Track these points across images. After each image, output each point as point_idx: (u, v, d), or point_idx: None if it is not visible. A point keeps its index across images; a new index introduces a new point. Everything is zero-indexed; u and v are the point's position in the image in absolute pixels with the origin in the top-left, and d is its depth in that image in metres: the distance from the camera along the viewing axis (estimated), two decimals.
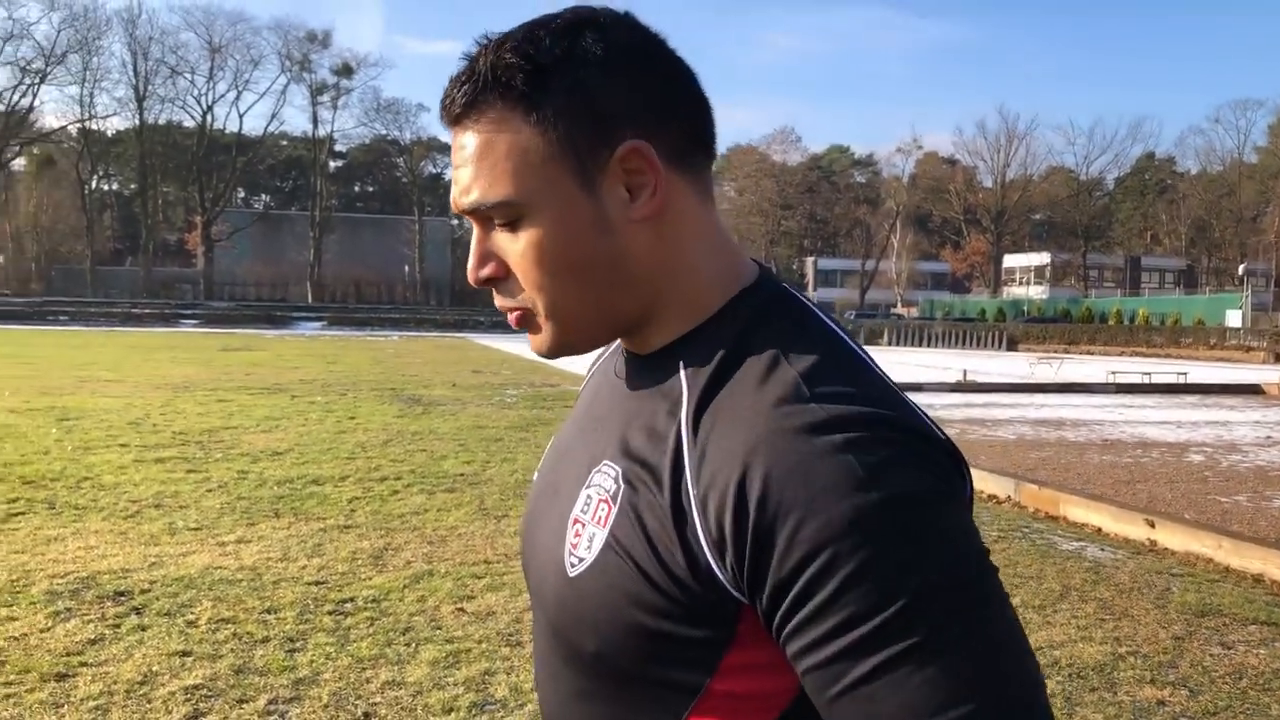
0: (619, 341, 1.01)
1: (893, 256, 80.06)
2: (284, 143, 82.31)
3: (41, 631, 4.86)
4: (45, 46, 67.61)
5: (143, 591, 5.50)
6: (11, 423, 12.15)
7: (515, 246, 0.90)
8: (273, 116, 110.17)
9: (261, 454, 10.24)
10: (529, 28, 0.89)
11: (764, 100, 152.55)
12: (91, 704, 4.05)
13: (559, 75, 0.86)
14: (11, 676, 4.30)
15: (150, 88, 69.71)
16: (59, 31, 68.42)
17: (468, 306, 64.51)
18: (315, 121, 74.78)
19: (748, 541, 0.78)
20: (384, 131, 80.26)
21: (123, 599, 5.39)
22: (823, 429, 0.78)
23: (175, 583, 5.66)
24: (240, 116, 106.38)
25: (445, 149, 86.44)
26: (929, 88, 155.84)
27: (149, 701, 4.08)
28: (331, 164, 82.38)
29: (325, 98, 74.71)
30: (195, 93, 74.05)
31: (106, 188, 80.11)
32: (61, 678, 4.32)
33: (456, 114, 0.90)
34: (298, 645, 4.74)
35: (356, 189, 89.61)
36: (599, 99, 0.87)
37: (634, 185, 0.89)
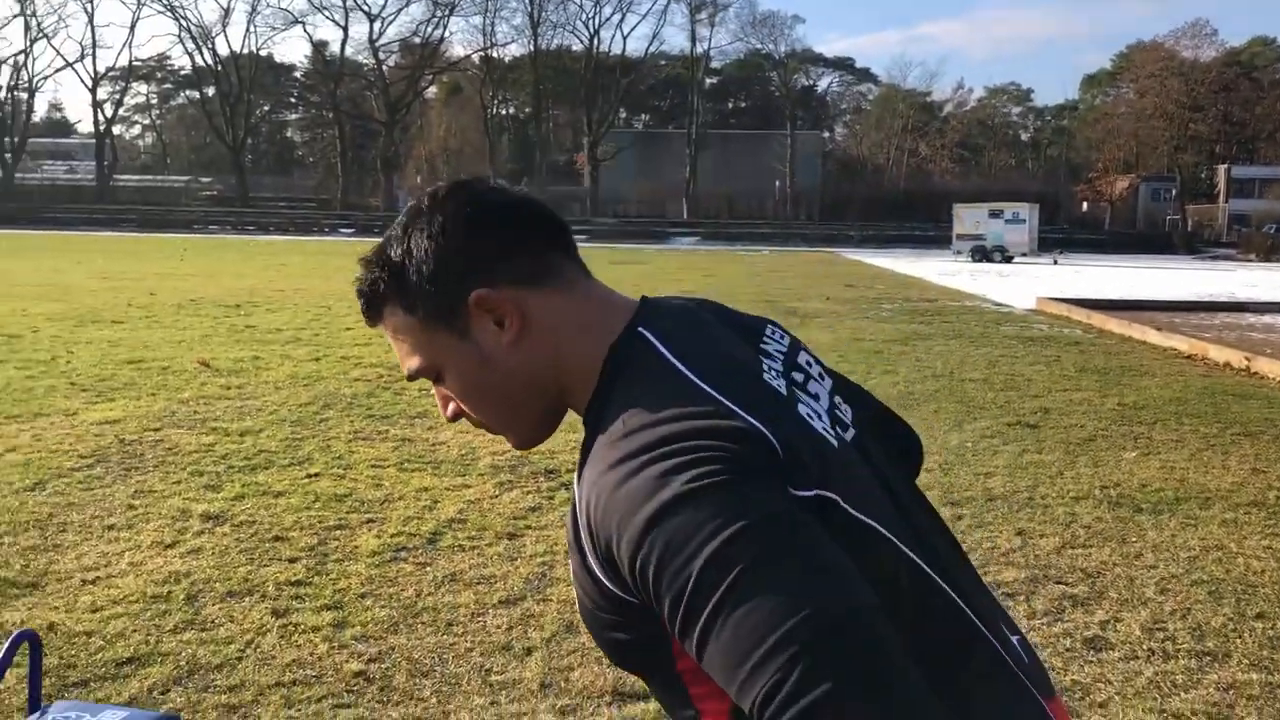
0: None
1: None
2: (662, 62, 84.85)
3: (491, 498, 5.65)
4: None
5: (567, 470, 6.20)
6: None
7: (451, 392, 1.18)
8: (653, 37, 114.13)
9: None
10: (385, 238, 1.17)
11: None
12: (539, 560, 4.71)
13: (406, 271, 1.13)
14: (473, 533, 5.07)
15: (543, 14, 74.27)
16: None
17: (837, 221, 64.04)
18: (693, 39, 76.54)
19: (610, 566, 0.99)
20: (758, 45, 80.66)
21: (552, 476, 6.11)
22: (625, 459, 0.97)
23: None
24: (624, 38, 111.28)
25: (819, 60, 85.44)
26: None
27: None
28: (707, 81, 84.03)
29: (703, 14, 76.09)
30: (584, 16, 78.09)
31: (504, 112, 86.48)
32: (512, 536, 5.04)
33: (369, 320, 1.19)
34: None
35: (729, 106, 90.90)
36: (440, 273, 1.12)
37: (497, 318, 1.12)
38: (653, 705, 3.36)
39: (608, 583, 1.02)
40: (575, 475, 1.09)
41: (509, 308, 1.12)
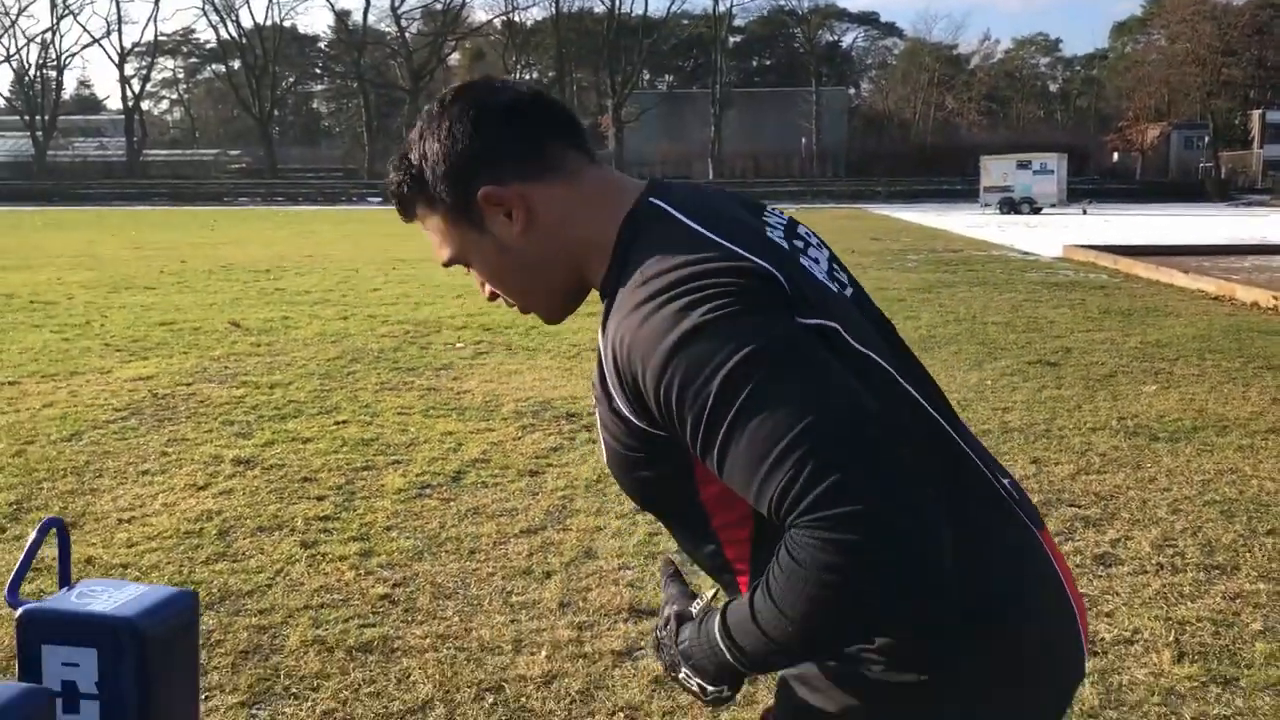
0: None
1: None
2: (685, 22, 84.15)
3: (514, 440, 5.77)
4: None
5: (589, 414, 6.30)
6: (468, 282, 13.87)
7: (482, 278, 1.30)
8: None
9: None
10: (406, 142, 1.27)
11: None
12: (559, 494, 4.82)
13: (424, 174, 1.23)
14: (495, 471, 5.19)
15: None
16: None
17: (864, 177, 63.51)
18: None
19: (639, 399, 1.08)
20: (781, 1, 79.82)
21: (573, 419, 6.22)
22: (646, 301, 1.07)
23: None
24: None
25: (843, 15, 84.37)
26: None
27: (604, 495, 4.78)
28: (730, 40, 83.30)
29: None
30: None
31: (528, 77, 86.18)
32: (534, 474, 5.15)
33: (404, 216, 1.31)
34: None
35: (754, 64, 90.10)
36: (450, 173, 1.22)
37: (506, 211, 1.21)
38: None
39: (635, 420, 1.12)
40: (599, 332, 1.17)
41: (515, 201, 1.21)
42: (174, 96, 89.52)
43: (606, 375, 1.14)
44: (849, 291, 1.28)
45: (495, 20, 77.44)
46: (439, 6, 74.46)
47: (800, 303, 1.09)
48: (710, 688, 1.14)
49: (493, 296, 1.33)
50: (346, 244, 22.77)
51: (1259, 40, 67.01)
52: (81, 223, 33.17)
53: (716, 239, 1.12)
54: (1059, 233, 24.53)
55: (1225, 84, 67.60)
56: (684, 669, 1.15)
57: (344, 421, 6.18)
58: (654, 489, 1.22)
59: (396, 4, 72.89)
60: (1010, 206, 41.16)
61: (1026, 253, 19.65)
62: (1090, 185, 55.73)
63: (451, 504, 4.70)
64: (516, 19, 77.30)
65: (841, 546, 0.93)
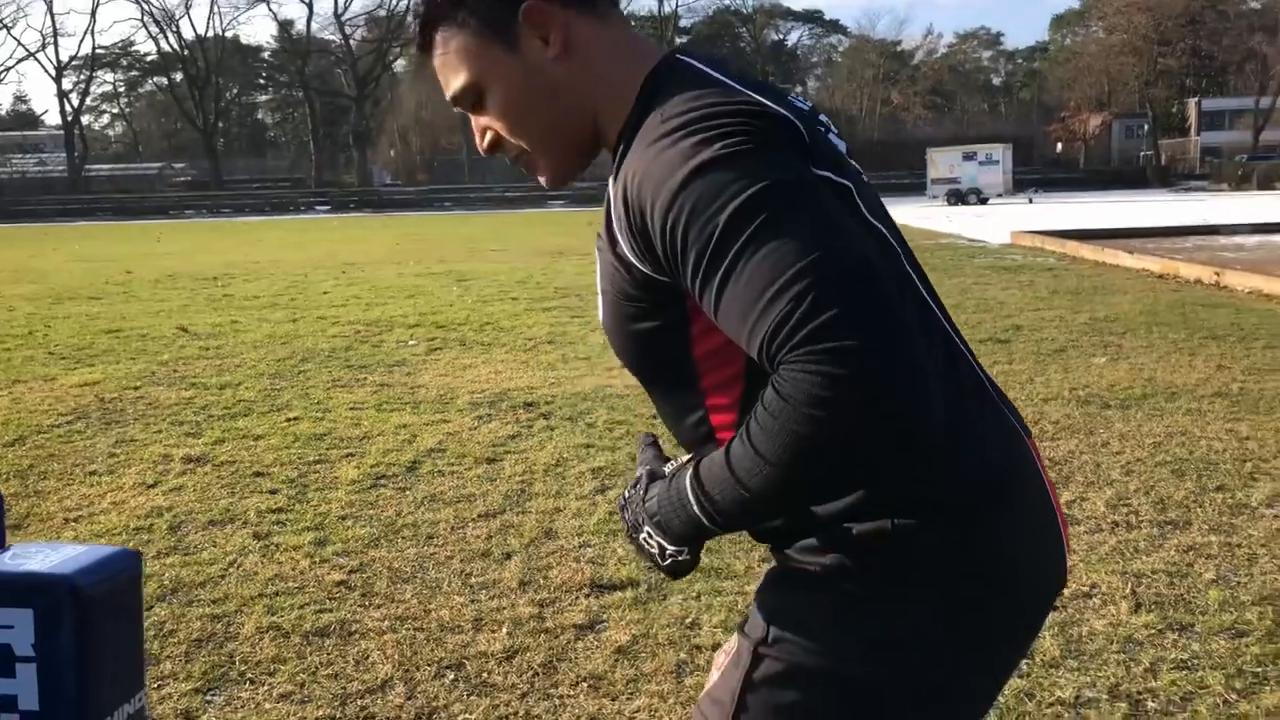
0: None
1: None
2: (631, 24, 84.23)
3: (470, 430, 5.71)
4: None
5: (546, 403, 6.27)
6: (420, 284, 13.79)
7: (492, 115, 1.24)
8: None
9: None
10: None
11: None
12: (518, 479, 4.78)
13: None
14: (452, 460, 5.13)
15: None
16: None
17: None
18: None
19: (644, 236, 1.06)
20: (727, 1, 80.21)
21: (531, 408, 6.18)
22: (662, 137, 1.05)
23: (573, 397, 6.40)
24: None
25: (788, 14, 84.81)
26: None
27: (563, 478, 4.74)
28: (677, 40, 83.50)
29: None
30: None
31: None
32: (491, 461, 5.10)
33: (421, 44, 1.26)
34: None
35: None
36: None
37: (544, 33, 1.18)
38: (629, 593, 3.44)
39: (638, 264, 1.10)
40: (610, 181, 1.16)
41: (556, 24, 1.19)
42: (115, 110, 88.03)
43: (614, 219, 1.12)
44: (864, 177, 1.26)
45: None
46: (383, 13, 73.91)
47: (818, 156, 1.08)
48: (670, 548, 1.11)
49: (493, 148, 1.29)
50: (295, 251, 22.52)
51: (1192, 30, 68.26)
52: (22, 239, 32.51)
53: (739, 87, 1.11)
54: (1006, 220, 24.82)
55: (1162, 74, 68.81)
56: (646, 528, 1.12)
57: (295, 418, 6.09)
58: (648, 343, 1.18)
59: (339, 11, 72.41)
60: (958, 198, 41.65)
61: (974, 240, 19.87)
62: (1035, 175, 56.52)
63: (408, 492, 4.64)
64: None
65: (833, 380, 0.89)
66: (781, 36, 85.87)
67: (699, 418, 1.18)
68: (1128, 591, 3.34)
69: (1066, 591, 3.36)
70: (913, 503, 1.08)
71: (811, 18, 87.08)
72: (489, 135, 1.27)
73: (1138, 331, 8.16)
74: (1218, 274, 11.20)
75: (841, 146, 1.23)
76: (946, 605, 1.09)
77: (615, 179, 1.12)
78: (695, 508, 1.05)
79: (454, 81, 1.24)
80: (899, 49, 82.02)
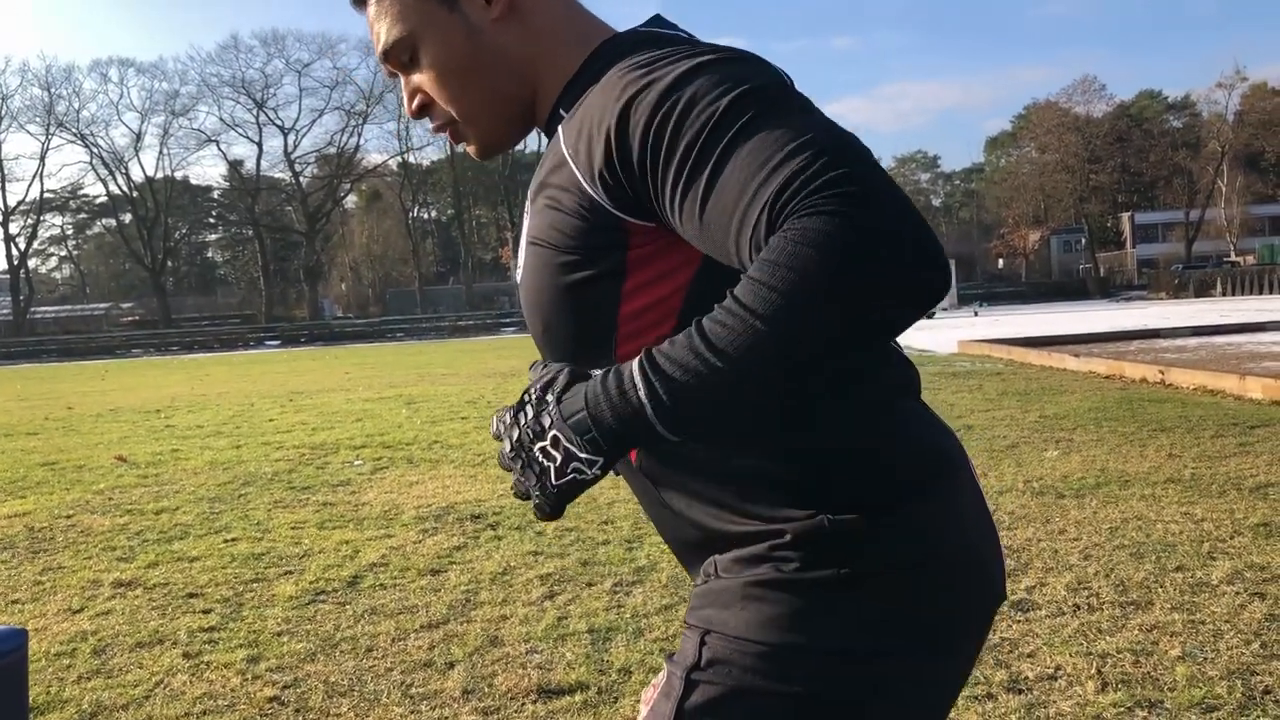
0: None
1: (1220, 203, 73.24)
2: None
3: (414, 543, 5.53)
4: (365, 89, 74.18)
5: (494, 514, 6.11)
6: (368, 408, 13.62)
7: (424, 76, 1.16)
8: None
9: None
10: None
11: (1057, 55, 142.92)
12: (463, 589, 4.60)
13: None
14: (395, 573, 4.94)
15: None
16: (375, 74, 74.96)
17: None
18: None
19: (606, 158, 0.97)
20: None
21: (478, 520, 6.01)
22: (641, 64, 0.99)
23: (521, 507, 6.24)
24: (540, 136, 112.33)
25: None
26: (1243, 23, 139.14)
27: (510, 586, 4.58)
28: None
29: None
30: None
31: (426, 215, 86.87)
32: (435, 572, 4.92)
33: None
34: (635, 544, 5.14)
35: None
36: None
37: None
38: (578, 697, 3.27)
39: (589, 189, 1.00)
40: (549, 139, 1.11)
41: None
42: (63, 253, 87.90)
43: (564, 150, 1.04)
44: None
45: (390, 161, 78.23)
46: (333, 150, 75.05)
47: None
48: (582, 456, 0.93)
49: (421, 111, 1.20)
50: (242, 382, 22.25)
51: (1121, 148, 71.21)
52: None
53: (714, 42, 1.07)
54: (953, 332, 25.16)
55: (1095, 189, 71.41)
56: (553, 433, 0.94)
57: (234, 539, 5.87)
58: (573, 296, 1.06)
59: (290, 150, 73.43)
60: None
61: (923, 350, 20.09)
62: (980, 290, 57.80)
63: (347, 607, 4.44)
64: (412, 159, 78.27)
65: (846, 219, 0.82)
66: None
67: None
68: (1093, 671, 3.23)
69: (1030, 674, 3.25)
70: (849, 493, 1.00)
71: None
72: (418, 98, 1.20)
73: (1088, 426, 8.19)
74: (1162, 372, 11.34)
75: None
76: (892, 605, 1.01)
77: (563, 127, 1.07)
78: (640, 391, 0.89)
79: (386, 34, 1.16)
80: None
